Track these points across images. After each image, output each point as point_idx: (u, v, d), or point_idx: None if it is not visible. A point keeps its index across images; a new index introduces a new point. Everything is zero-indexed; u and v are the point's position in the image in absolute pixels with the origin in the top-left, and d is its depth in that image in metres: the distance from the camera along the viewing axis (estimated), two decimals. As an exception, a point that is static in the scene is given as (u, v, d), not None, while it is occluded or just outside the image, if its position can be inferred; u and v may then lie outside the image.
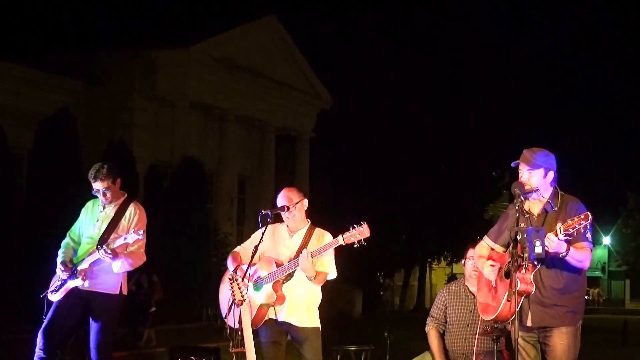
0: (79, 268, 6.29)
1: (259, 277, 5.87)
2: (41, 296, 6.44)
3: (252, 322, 5.80)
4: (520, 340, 5.03)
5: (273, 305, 5.80)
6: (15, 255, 16.09)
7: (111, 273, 6.27)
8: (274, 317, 5.85)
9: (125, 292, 6.40)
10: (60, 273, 6.35)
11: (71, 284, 6.29)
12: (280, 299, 5.78)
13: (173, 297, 19.05)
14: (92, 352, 6.29)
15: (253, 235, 6.13)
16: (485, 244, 5.53)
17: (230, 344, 5.89)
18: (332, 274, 5.90)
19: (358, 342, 8.37)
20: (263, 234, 5.88)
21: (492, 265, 5.24)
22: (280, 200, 5.93)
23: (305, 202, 5.97)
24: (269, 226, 6.05)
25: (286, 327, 5.88)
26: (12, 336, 12.54)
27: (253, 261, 5.91)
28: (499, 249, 5.44)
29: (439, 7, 33.67)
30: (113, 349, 6.44)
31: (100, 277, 6.28)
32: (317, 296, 5.97)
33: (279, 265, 5.80)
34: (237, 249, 6.16)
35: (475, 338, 6.35)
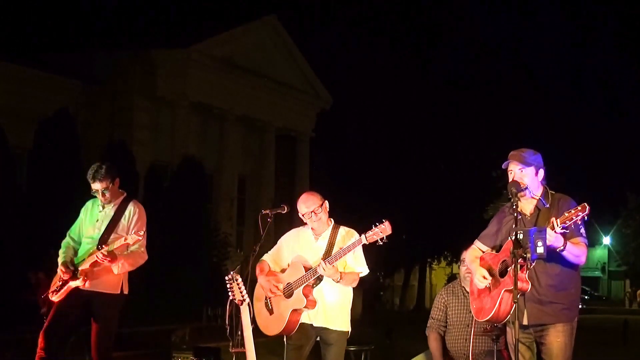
0: (79, 268, 6.29)
1: (288, 283, 5.85)
2: (42, 297, 6.44)
3: (286, 329, 5.76)
4: (515, 341, 5.02)
5: (305, 310, 5.78)
6: (15, 255, 16.08)
7: (112, 273, 6.28)
8: (309, 322, 5.83)
9: (126, 291, 6.41)
10: (61, 274, 6.35)
11: (72, 284, 6.29)
12: (312, 303, 5.75)
13: (173, 297, 19.06)
14: (92, 352, 6.29)
15: (279, 242, 6.13)
16: (477, 248, 5.52)
17: (230, 344, 5.89)
18: (364, 271, 5.88)
19: (358, 342, 8.35)
20: (263, 234, 5.88)
21: (484, 277, 5.22)
22: (307, 205, 5.87)
23: (327, 203, 5.97)
24: (294, 230, 6.07)
25: (319, 331, 5.87)
26: (12, 336, 12.53)
27: (274, 267, 5.94)
28: (490, 251, 5.43)
29: (439, 8, 33.68)
30: (113, 349, 6.44)
31: (101, 277, 6.28)
32: (349, 297, 5.95)
33: (307, 269, 5.78)
34: (265, 257, 6.10)
35: (476, 338, 6.37)
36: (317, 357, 6.03)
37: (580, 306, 5.86)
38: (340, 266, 5.77)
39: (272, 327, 5.85)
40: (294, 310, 5.76)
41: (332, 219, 5.99)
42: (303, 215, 5.90)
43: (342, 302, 5.90)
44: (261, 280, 5.94)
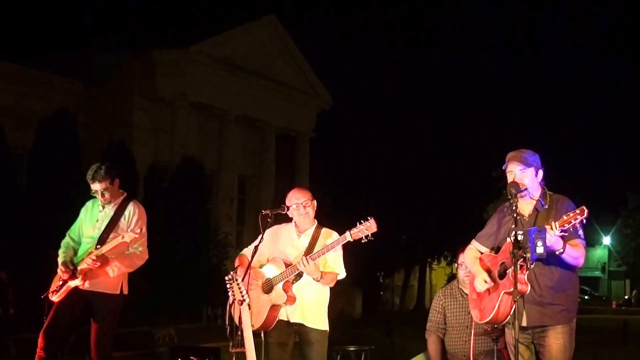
0: (79, 268, 6.29)
1: (268, 278, 5.86)
2: (42, 297, 6.44)
3: (264, 325, 5.78)
4: (514, 342, 5.02)
5: (284, 306, 5.79)
6: (15, 256, 16.09)
7: (111, 273, 6.29)
8: (286, 319, 5.84)
9: (126, 291, 6.40)
10: (60, 274, 6.35)
11: (72, 284, 6.29)
12: (291, 299, 5.77)
13: (173, 297, 19.08)
14: (92, 352, 6.29)
15: (260, 236, 6.14)
16: (475, 248, 5.51)
17: (230, 344, 5.89)
18: (342, 274, 5.89)
19: (358, 342, 8.37)
20: (263, 234, 5.89)
21: (485, 282, 5.21)
22: (297, 197, 5.93)
23: (315, 203, 6.00)
24: (276, 227, 6.08)
25: (297, 328, 5.88)
26: (12, 336, 12.53)
27: (254, 263, 5.93)
28: (489, 252, 5.43)
29: (439, 7, 33.71)
30: (113, 349, 6.44)
31: (100, 277, 6.27)
32: (327, 295, 5.97)
33: (287, 265, 5.80)
34: (244, 251, 6.14)
35: (476, 338, 6.37)
36: (301, 357, 6.02)
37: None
38: (321, 265, 5.78)
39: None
40: (273, 306, 5.78)
41: (315, 220, 6.01)
42: (290, 207, 5.92)
43: (320, 299, 5.91)
44: (240, 273, 5.95)
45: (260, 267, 5.99)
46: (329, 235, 5.88)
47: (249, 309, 5.85)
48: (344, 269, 5.90)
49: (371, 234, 5.54)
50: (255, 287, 5.86)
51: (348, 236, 5.61)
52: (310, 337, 5.85)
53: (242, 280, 5.83)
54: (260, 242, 5.88)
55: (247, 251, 6.09)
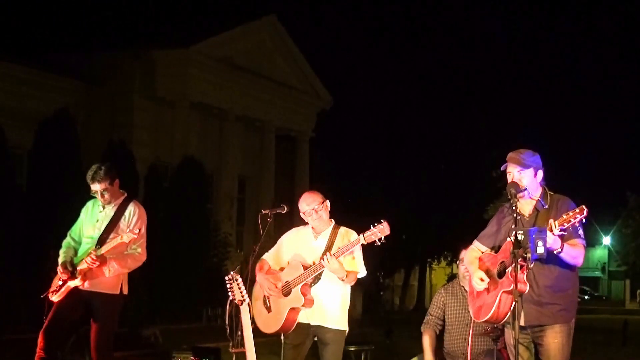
0: (78, 268, 6.29)
1: (286, 281, 5.86)
2: (42, 297, 6.45)
3: (283, 327, 5.78)
4: (513, 342, 5.02)
5: (302, 309, 5.79)
6: (16, 256, 16.08)
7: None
8: (306, 321, 5.84)
9: (125, 292, 6.40)
10: (59, 274, 6.35)
11: (71, 284, 6.29)
12: (309, 302, 5.76)
13: (173, 297, 19.07)
14: (92, 352, 6.29)
15: (279, 240, 6.14)
16: (476, 248, 5.52)
17: (230, 344, 5.90)
18: (362, 272, 5.89)
19: (358, 342, 8.36)
20: (263, 234, 5.89)
21: (482, 280, 5.22)
22: (308, 202, 5.91)
23: (328, 202, 5.99)
24: (294, 229, 6.10)
25: (316, 330, 5.88)
26: (12, 336, 12.53)
27: (272, 265, 5.95)
28: (489, 251, 5.43)
29: (439, 7, 33.72)
30: (113, 349, 6.44)
31: (100, 277, 6.28)
32: (347, 296, 5.96)
33: (306, 267, 5.79)
34: (264, 256, 6.13)
35: (475, 338, 6.37)
36: (316, 356, 6.03)
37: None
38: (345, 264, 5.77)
39: (270, 325, 5.87)
40: (292, 309, 5.78)
41: (332, 219, 6.00)
42: (304, 214, 5.93)
43: (340, 301, 5.91)
44: (259, 278, 5.96)
45: (280, 270, 5.99)
46: (347, 235, 5.88)
47: (269, 312, 5.86)
48: (364, 268, 5.89)
49: (384, 237, 5.54)
50: (275, 291, 5.86)
51: (362, 239, 5.61)
52: (328, 337, 5.86)
53: (242, 282, 5.84)
54: (260, 241, 5.90)
55: (267, 256, 6.12)
